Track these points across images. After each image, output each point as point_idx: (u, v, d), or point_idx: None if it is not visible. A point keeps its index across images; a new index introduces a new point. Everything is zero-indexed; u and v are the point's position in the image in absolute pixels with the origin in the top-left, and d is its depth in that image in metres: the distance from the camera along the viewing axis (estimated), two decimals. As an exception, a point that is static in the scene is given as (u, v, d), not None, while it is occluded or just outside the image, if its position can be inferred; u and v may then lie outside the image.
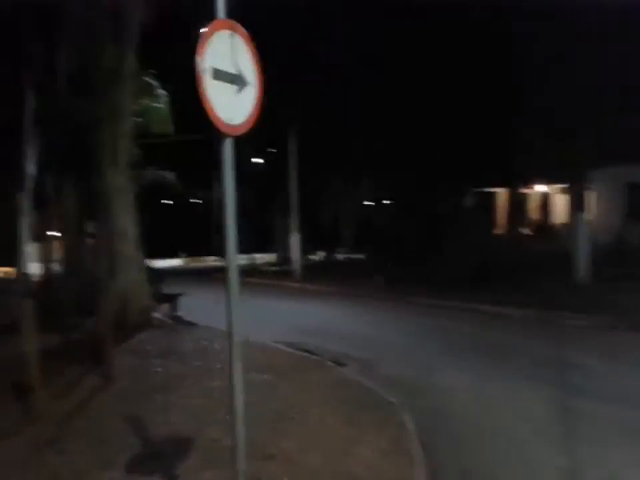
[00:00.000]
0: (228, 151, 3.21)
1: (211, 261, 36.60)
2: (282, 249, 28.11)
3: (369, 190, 32.94)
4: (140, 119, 11.82)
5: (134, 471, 4.24)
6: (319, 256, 32.94)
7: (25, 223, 18.32)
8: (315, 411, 5.58)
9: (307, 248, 27.01)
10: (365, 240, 30.56)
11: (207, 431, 4.91)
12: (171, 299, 11.58)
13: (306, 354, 8.27)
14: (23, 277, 14.60)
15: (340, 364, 7.74)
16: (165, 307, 11.41)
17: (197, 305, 14.41)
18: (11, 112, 17.37)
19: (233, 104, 3.19)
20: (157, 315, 10.58)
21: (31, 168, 18.34)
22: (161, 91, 14.20)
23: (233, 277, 3.27)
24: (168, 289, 12.58)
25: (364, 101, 23.15)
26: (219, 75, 3.08)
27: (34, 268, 18.78)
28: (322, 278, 20.69)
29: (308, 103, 21.56)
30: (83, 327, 8.42)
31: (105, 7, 9.96)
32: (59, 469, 4.26)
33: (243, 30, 3.26)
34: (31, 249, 18.60)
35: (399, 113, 22.38)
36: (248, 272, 27.65)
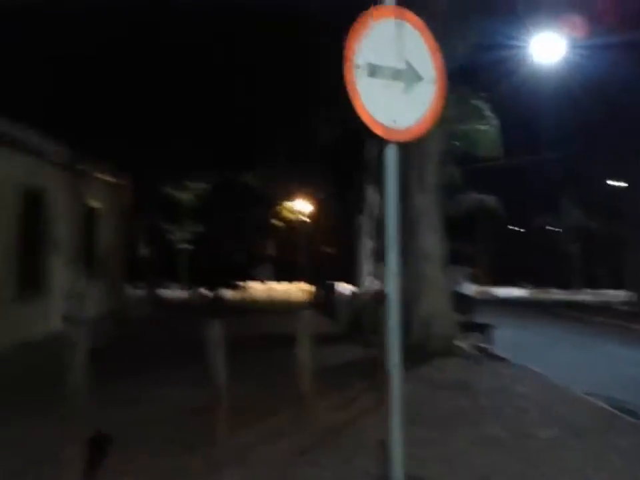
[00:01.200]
0: (392, 159, 2.71)
1: (556, 294, 33.73)
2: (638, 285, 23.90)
3: None
4: (457, 143, 11.72)
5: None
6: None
7: (364, 244, 20.36)
8: (601, 490, 4.37)
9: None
10: None
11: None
12: (482, 329, 10.97)
13: (622, 414, 6.64)
14: (352, 293, 16.21)
15: (668, 434, 5.94)
16: (474, 337, 10.88)
17: (522, 341, 13.15)
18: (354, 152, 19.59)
19: (397, 104, 2.71)
20: (463, 344, 10.17)
21: (370, 194, 20.33)
22: (489, 114, 13.89)
23: (394, 307, 2.78)
24: (490, 319, 11.82)
25: None
26: (375, 71, 2.64)
27: (371, 285, 20.59)
28: (689, 324, 16.78)
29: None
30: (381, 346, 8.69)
31: None
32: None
33: (415, 17, 2.71)
34: (368, 267, 20.51)
35: None
36: (594, 310, 24.43)
